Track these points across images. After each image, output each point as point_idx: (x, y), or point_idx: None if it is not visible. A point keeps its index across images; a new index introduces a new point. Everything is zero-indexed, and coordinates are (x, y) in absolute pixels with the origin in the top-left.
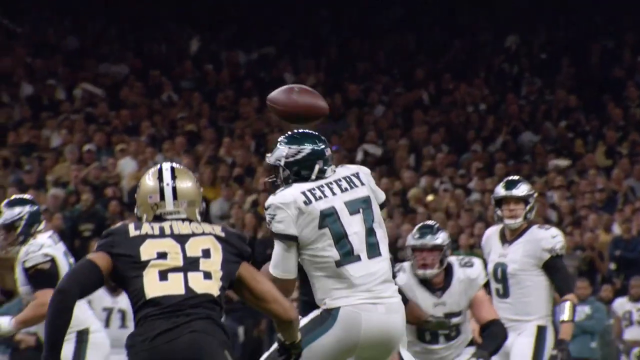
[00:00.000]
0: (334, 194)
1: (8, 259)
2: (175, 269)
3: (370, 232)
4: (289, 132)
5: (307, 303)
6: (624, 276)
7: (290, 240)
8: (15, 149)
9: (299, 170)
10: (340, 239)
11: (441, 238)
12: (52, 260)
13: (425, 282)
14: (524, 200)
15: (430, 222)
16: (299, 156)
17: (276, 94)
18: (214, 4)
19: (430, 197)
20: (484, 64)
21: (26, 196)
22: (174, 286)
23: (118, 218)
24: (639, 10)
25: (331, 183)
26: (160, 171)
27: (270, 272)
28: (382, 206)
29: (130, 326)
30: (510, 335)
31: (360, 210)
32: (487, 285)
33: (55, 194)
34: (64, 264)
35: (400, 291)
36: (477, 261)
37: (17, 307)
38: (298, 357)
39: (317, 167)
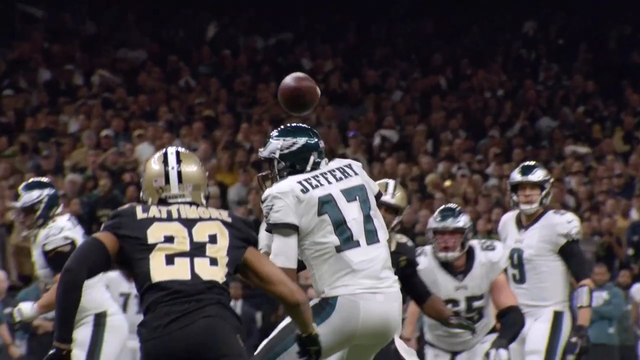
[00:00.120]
0: (329, 182)
1: (25, 246)
2: (182, 254)
3: (367, 219)
4: (282, 127)
5: None
6: None
7: (289, 228)
8: (33, 135)
9: (294, 163)
10: (340, 224)
11: (463, 221)
12: (72, 243)
13: (447, 266)
14: (539, 185)
15: (452, 205)
16: (293, 148)
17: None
18: None
19: (447, 183)
20: (501, 50)
21: (44, 179)
22: (180, 271)
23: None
24: None
25: (325, 173)
26: (165, 155)
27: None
28: (377, 197)
29: None
30: (527, 321)
31: (357, 198)
32: (504, 271)
33: (72, 179)
34: None
35: (419, 284)
36: (498, 244)
37: (35, 292)
38: (318, 356)
39: (311, 159)
